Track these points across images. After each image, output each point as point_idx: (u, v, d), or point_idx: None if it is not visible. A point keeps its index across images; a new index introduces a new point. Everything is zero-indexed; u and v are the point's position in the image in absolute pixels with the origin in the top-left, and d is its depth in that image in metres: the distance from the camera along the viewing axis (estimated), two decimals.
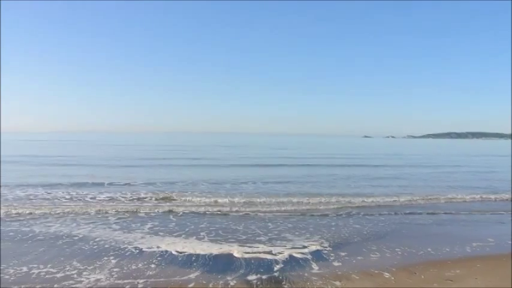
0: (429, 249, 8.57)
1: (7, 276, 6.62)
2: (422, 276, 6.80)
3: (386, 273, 6.90)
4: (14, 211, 11.84)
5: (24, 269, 7.02)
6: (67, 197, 14.66)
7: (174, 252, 8.16)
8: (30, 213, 11.67)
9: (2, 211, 11.74)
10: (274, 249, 8.37)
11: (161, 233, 9.83)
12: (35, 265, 7.22)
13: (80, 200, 14.15)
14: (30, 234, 9.51)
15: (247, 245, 8.74)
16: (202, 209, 12.81)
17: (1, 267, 7.06)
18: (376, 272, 6.99)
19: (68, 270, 6.94)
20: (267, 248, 8.47)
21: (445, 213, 13.00)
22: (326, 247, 8.65)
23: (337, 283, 6.43)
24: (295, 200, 14.64)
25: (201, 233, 9.85)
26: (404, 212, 13.03)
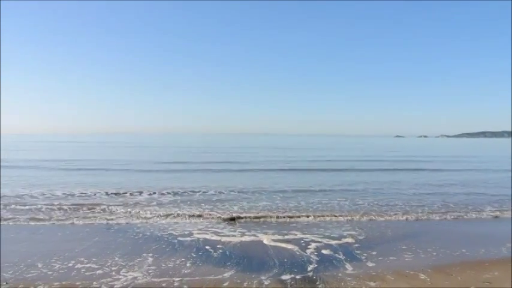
0: (463, 250, 8.42)
1: (50, 272, 6.83)
2: (459, 278, 6.68)
3: (422, 275, 6.82)
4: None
5: (70, 263, 7.31)
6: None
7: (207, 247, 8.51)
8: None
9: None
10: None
11: None
12: (80, 259, 7.57)
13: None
14: (88, 222, 10.92)
15: None
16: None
17: (51, 261, 7.41)
18: (411, 273, 6.92)
19: (108, 266, 7.19)
20: None
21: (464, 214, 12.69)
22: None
23: (372, 284, 6.41)
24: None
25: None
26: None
